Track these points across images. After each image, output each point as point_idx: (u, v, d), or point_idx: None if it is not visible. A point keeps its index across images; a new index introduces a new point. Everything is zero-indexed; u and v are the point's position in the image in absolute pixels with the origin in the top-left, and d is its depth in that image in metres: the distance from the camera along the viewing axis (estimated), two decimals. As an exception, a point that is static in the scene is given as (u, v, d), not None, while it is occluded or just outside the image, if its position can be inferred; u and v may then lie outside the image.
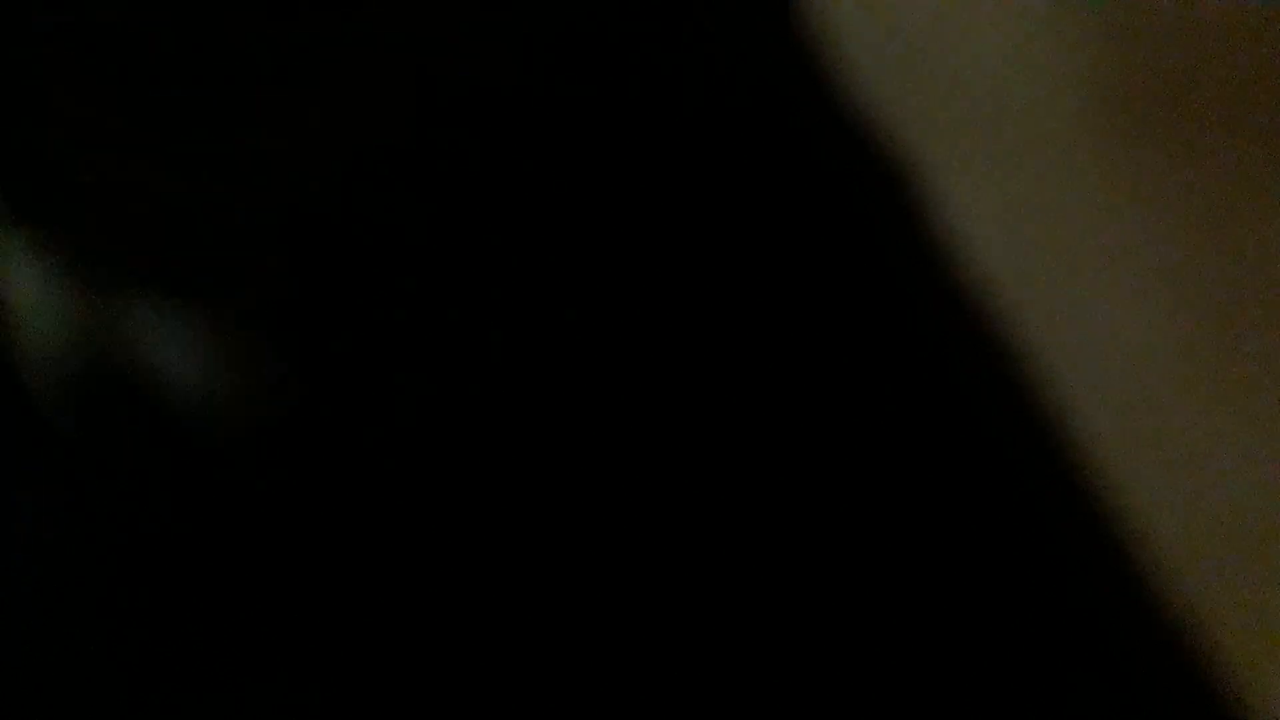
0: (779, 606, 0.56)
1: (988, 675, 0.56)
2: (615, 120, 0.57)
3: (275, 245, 0.56)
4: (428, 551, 0.57)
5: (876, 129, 0.59)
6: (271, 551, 0.57)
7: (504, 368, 0.57)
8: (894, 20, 0.60)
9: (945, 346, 0.58)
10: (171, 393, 0.58)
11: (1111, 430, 0.57)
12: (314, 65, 0.54)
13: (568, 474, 0.57)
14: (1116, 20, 0.59)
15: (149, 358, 0.57)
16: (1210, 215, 0.59)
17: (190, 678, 0.57)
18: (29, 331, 0.58)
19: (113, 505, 0.58)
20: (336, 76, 0.55)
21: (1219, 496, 0.57)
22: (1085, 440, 0.57)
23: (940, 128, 0.59)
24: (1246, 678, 0.55)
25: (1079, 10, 0.59)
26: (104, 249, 0.57)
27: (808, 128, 0.59)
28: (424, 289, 0.57)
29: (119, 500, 0.58)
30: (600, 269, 0.57)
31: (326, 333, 0.57)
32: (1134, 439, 0.57)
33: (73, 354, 0.58)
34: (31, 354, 0.58)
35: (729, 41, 0.59)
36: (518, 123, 0.57)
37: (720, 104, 0.58)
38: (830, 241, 0.58)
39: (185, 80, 0.54)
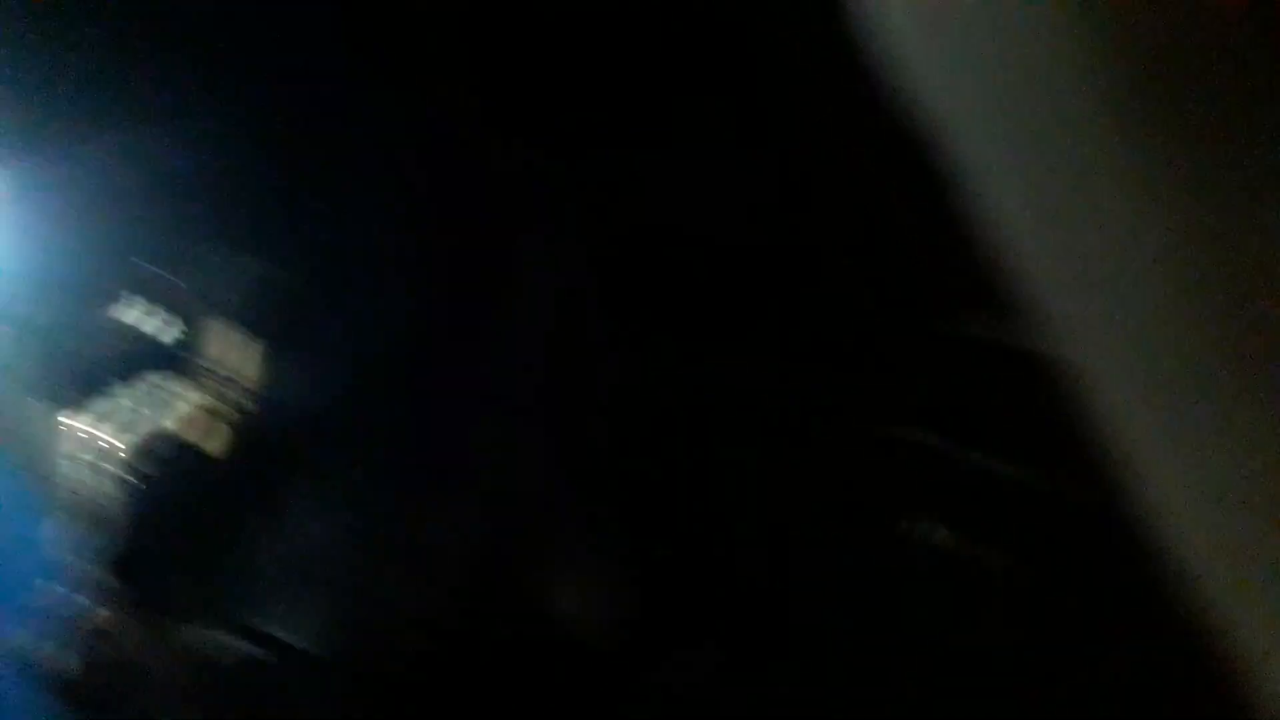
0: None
1: (1006, 667, 0.55)
2: (660, 111, 0.57)
3: None
4: None
5: (919, 121, 0.59)
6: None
7: None
8: (938, 12, 0.60)
9: (976, 329, 0.58)
10: None
11: (1137, 421, 0.57)
12: None
13: None
14: (1149, 22, 0.59)
15: None
16: (1230, 211, 0.58)
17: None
18: None
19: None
20: None
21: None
22: (1110, 432, 0.57)
23: (979, 123, 0.59)
24: (1259, 670, 0.55)
25: (1110, 9, 0.59)
26: None
27: (851, 115, 0.58)
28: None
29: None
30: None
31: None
32: (1159, 431, 0.57)
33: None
34: None
35: (778, 31, 0.59)
36: None
37: (765, 90, 0.58)
38: (867, 228, 0.58)
39: None
